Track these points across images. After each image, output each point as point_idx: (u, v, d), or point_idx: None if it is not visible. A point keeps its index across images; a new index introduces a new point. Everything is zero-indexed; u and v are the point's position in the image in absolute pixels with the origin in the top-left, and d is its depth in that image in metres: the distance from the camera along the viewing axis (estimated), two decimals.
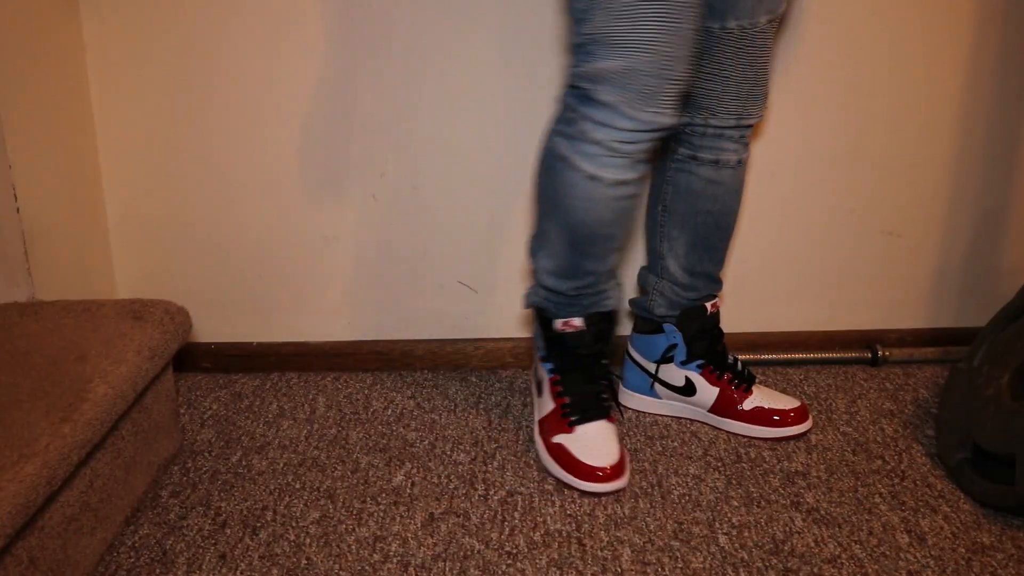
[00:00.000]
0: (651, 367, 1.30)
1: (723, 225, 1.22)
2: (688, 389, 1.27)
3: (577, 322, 1.16)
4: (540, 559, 1.00)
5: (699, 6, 0.94)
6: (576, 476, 1.12)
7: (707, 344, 1.26)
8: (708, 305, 1.26)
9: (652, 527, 1.05)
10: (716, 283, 1.27)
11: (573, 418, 1.16)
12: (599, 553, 1.01)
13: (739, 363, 1.28)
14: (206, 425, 1.32)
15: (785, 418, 1.23)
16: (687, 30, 0.93)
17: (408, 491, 1.13)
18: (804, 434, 1.24)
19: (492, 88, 1.35)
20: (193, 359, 1.50)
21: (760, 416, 1.23)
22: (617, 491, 1.12)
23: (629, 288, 1.43)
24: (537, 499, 1.11)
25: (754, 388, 1.26)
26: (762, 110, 1.16)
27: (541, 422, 1.21)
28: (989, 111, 1.40)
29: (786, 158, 1.41)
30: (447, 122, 1.37)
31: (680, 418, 1.31)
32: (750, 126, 1.17)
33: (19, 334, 1.08)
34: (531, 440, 1.25)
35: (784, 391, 1.38)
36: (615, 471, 1.11)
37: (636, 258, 1.43)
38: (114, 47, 1.35)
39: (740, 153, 1.18)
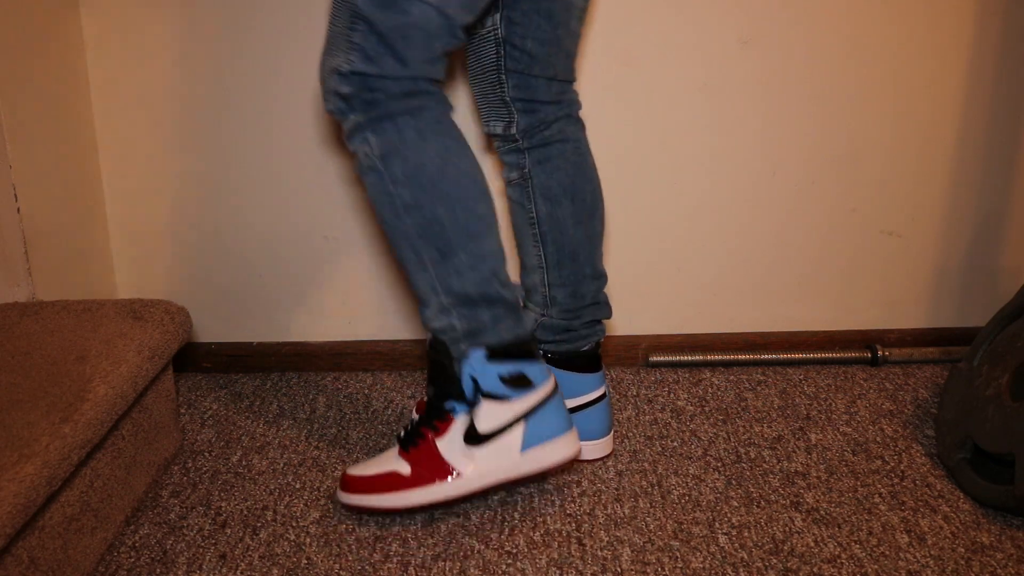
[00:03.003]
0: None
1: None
2: None
3: None
4: (540, 559, 1.00)
5: None
6: None
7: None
8: None
9: (652, 527, 1.05)
10: None
11: None
12: (599, 553, 1.01)
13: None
14: (206, 425, 1.32)
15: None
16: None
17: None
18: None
19: None
20: (193, 359, 1.50)
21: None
22: None
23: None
24: (537, 499, 1.11)
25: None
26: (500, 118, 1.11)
27: None
28: (989, 111, 1.40)
29: (787, 158, 1.41)
30: None
31: (680, 417, 1.31)
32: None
33: (19, 334, 1.08)
34: None
35: (784, 391, 1.39)
36: None
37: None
38: (114, 47, 1.35)
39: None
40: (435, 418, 1.04)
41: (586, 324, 1.16)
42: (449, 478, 1.02)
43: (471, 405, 1.02)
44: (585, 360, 1.16)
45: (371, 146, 0.95)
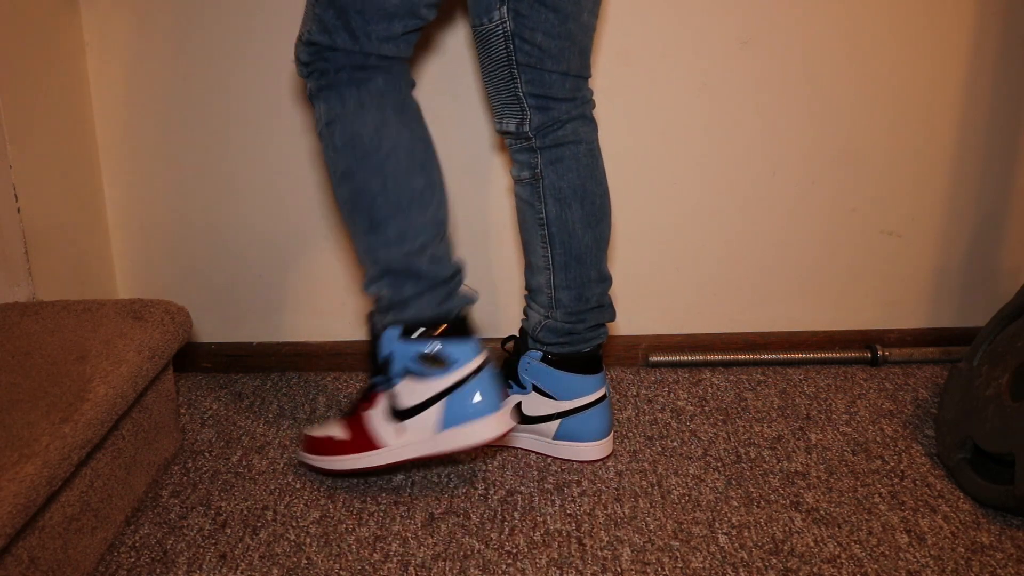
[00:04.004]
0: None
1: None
2: None
3: None
4: (540, 559, 1.00)
5: None
6: None
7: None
8: None
9: (652, 527, 1.05)
10: None
11: None
12: (599, 553, 1.01)
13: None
14: (206, 425, 1.32)
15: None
16: None
17: (408, 491, 1.13)
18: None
19: None
20: (193, 359, 1.50)
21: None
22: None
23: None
24: (537, 499, 1.11)
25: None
26: (504, 118, 1.10)
27: None
28: (989, 112, 1.40)
29: (787, 158, 1.41)
30: (446, 122, 1.37)
31: (680, 417, 1.31)
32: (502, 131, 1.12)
33: (19, 334, 1.08)
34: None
35: (784, 391, 1.39)
36: None
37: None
38: (114, 47, 1.35)
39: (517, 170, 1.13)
40: (369, 390, 1.09)
41: (590, 328, 1.15)
42: (372, 449, 1.07)
43: (392, 381, 1.05)
44: (585, 361, 1.16)
45: (321, 113, 1.00)
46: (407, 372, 1.04)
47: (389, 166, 0.99)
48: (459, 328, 1.04)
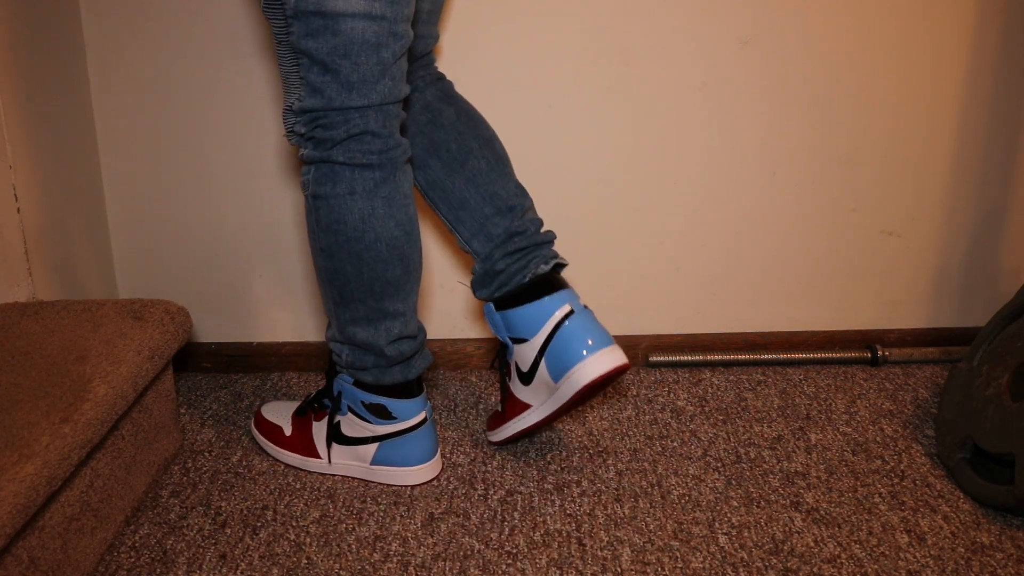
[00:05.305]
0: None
1: None
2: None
3: None
4: (540, 559, 1.00)
5: None
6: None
7: None
8: None
9: (652, 527, 1.05)
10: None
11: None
12: (599, 553, 1.01)
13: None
14: (206, 425, 1.32)
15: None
16: None
17: (408, 491, 1.14)
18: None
19: (491, 89, 1.36)
20: (193, 359, 1.50)
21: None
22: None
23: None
24: (537, 499, 1.11)
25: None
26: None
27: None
28: (989, 111, 1.40)
29: (787, 158, 1.41)
30: None
31: (680, 418, 1.31)
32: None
33: (19, 334, 1.08)
34: (531, 440, 1.25)
35: (784, 391, 1.39)
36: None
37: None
38: (114, 47, 1.35)
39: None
40: (319, 405, 1.18)
41: (510, 257, 1.09)
42: (311, 457, 1.18)
43: (339, 411, 1.14)
44: (536, 287, 1.08)
45: (309, 180, 0.99)
46: (352, 411, 1.13)
47: (368, 256, 0.99)
48: (409, 388, 1.10)
